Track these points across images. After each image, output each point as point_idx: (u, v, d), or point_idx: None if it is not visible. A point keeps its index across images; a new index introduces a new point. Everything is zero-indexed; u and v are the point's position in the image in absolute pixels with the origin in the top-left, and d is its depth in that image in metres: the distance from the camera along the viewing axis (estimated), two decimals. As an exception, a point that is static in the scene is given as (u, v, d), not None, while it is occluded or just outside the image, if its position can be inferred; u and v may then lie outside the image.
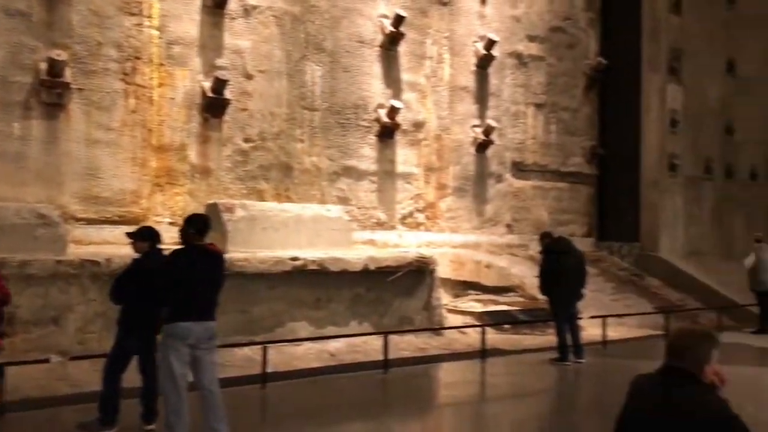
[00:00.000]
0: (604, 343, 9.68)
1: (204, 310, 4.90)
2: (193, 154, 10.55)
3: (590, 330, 10.48)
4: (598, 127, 16.00)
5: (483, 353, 8.65)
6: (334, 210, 10.65)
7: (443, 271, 12.14)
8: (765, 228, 16.41)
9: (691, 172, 15.62)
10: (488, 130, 13.82)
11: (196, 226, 5.02)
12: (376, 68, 12.52)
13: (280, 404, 6.68)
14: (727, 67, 16.46)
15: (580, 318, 8.97)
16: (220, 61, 10.75)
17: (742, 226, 16.34)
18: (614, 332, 10.56)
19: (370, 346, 8.53)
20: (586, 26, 15.69)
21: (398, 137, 12.75)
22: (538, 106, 14.93)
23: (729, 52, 16.48)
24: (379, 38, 12.49)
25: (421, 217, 13.21)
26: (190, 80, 10.52)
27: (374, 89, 12.49)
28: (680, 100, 15.34)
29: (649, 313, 11.82)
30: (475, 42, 13.77)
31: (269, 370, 6.98)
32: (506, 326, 10.71)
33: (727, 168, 16.40)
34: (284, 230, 9.43)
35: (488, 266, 12.83)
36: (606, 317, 9.97)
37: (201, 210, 8.95)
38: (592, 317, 10.27)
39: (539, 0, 14.95)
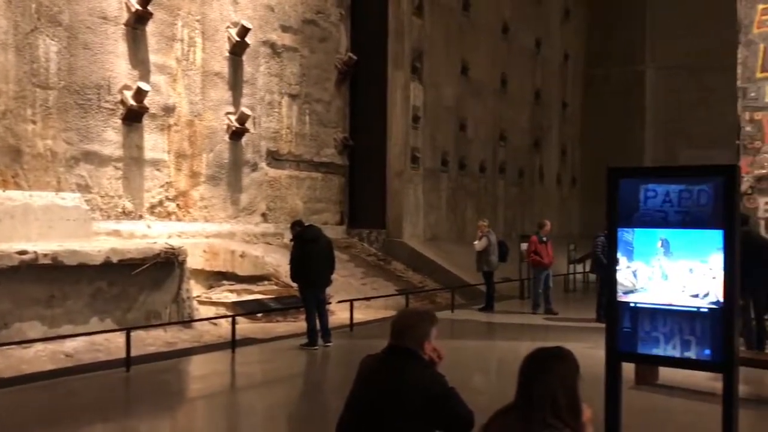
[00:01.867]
0: (352, 325, 10.20)
1: None
2: None
3: (340, 314, 10.98)
4: (349, 120, 16.70)
5: (234, 343, 8.62)
6: (70, 198, 9.84)
7: (196, 261, 11.86)
8: (492, 215, 18.42)
9: (431, 165, 16.98)
10: (243, 118, 13.72)
11: None
12: (121, 47, 11.75)
13: (7, 415, 6.05)
14: (462, 69, 18.12)
15: (329, 303, 9.34)
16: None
17: (473, 214, 18.18)
18: (362, 314, 11.15)
19: (114, 344, 8.06)
20: (338, 21, 16.23)
21: (146, 121, 12.12)
22: (293, 96, 15.15)
23: (463, 55, 18.13)
24: (125, 16, 11.75)
25: (172, 206, 12.73)
26: None
27: (119, 69, 11.72)
28: (421, 97, 16.57)
29: (392, 295, 12.67)
30: (229, 28, 13.56)
31: (-8, 377, 6.29)
32: (259, 315, 10.79)
33: (461, 161, 18.09)
34: (9, 221, 8.51)
35: (243, 255, 12.77)
36: (353, 301, 10.49)
37: None
38: (340, 301, 10.73)
39: (293, -9, 15.17)
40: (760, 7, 8.93)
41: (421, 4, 16.51)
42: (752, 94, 8.92)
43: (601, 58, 24.05)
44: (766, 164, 8.77)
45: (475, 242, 13.18)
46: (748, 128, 8.96)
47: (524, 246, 15.23)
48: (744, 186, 8.91)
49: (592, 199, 21.81)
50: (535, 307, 12.49)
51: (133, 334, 7.65)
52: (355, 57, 16.28)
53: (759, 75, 8.93)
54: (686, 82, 22.58)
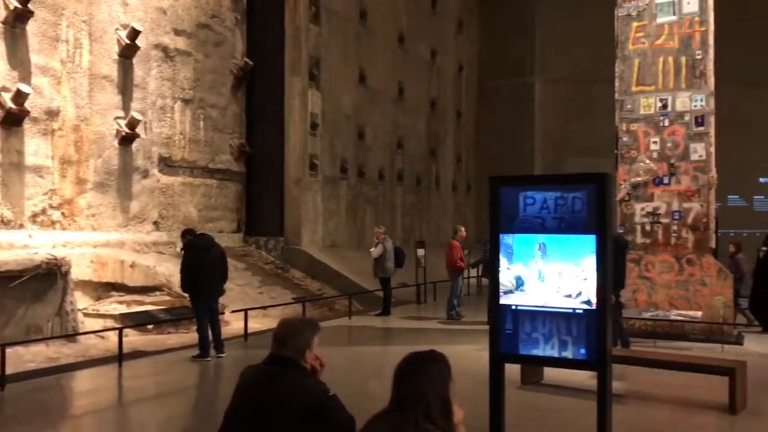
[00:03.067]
0: (246, 335, 10.03)
1: None
2: None
3: (235, 324, 10.78)
4: (245, 126, 16.46)
5: (121, 357, 8.28)
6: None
7: (83, 272, 11.34)
8: (390, 222, 18.64)
9: (329, 172, 17.00)
10: (133, 123, 13.24)
11: None
12: (-2, 47, 11.11)
13: None
14: (360, 77, 18.26)
15: (223, 313, 9.15)
16: None
17: (372, 220, 18.34)
18: (258, 324, 10.98)
19: (-12, 362, 7.57)
20: (233, 26, 15.99)
21: (27, 125, 11.47)
22: (186, 101, 14.77)
23: (361, 63, 18.29)
24: (2, 13, 11.10)
25: (56, 215, 12.10)
26: None
27: (-4, 70, 11.08)
28: (319, 104, 16.57)
29: (288, 304, 12.58)
30: (118, 30, 13.08)
31: None
32: (150, 327, 10.43)
33: (360, 168, 18.22)
34: None
35: (133, 265, 12.31)
36: (248, 310, 10.33)
37: None
38: (235, 311, 10.54)
39: (186, -6, 14.82)
40: (635, 24, 9.50)
41: (318, 11, 16.52)
42: (628, 107, 9.48)
43: (494, 70, 24.88)
44: (641, 172, 9.33)
45: (372, 249, 13.31)
46: (625, 138, 9.50)
47: (421, 252, 15.55)
48: (621, 193, 9.45)
49: (486, 205, 22.41)
50: (452, 313, 12.70)
51: (9, 350, 7.21)
52: (251, 62, 16.08)
53: (634, 88, 9.49)
54: (573, 94, 23.71)
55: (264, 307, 11.81)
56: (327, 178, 16.93)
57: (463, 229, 13.44)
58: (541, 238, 4.50)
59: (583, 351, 4.39)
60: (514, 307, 4.53)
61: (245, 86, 16.37)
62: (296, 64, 16.16)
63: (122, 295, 11.73)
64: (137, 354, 8.85)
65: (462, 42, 24.38)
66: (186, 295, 9.12)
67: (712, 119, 9.10)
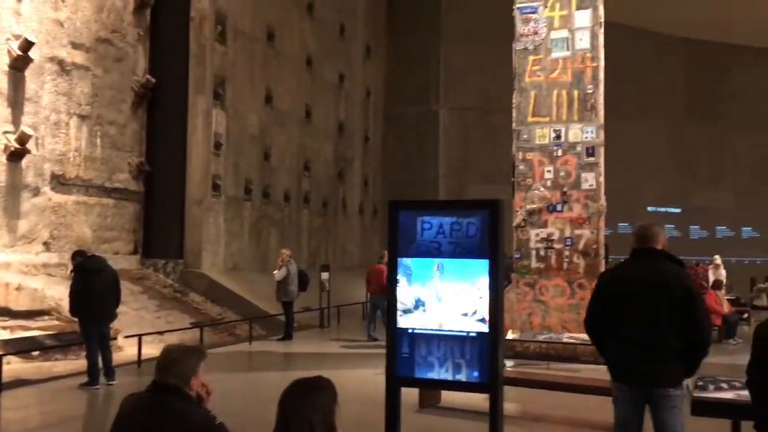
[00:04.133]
0: (140, 362, 9.64)
1: None
2: None
3: (129, 350, 10.34)
4: (146, 144, 15.97)
5: (1, 386, 7.76)
6: None
7: (-40, 295, 10.61)
8: (296, 244, 18.49)
9: (233, 193, 16.71)
10: (23, 138, 12.56)
11: None
12: None
13: None
14: (266, 98, 18.14)
15: (115, 338, 8.76)
16: None
17: (277, 243, 18.13)
18: (154, 350, 10.55)
19: None
20: (135, 42, 15.54)
21: None
22: (83, 117, 14.17)
23: (268, 84, 18.18)
24: None
25: (-68, 234, 11.30)
26: None
27: None
28: (224, 124, 16.32)
29: (187, 329, 12.19)
30: (9, 40, 12.44)
31: None
32: (35, 353, 9.84)
33: (265, 190, 18.01)
34: None
35: (19, 288, 11.62)
36: (142, 335, 9.94)
37: None
38: (128, 336, 10.12)
39: (85, 7, 14.27)
40: (531, 58, 9.92)
41: (224, 31, 16.33)
42: (525, 136, 9.85)
43: (401, 96, 25.33)
44: (536, 200, 9.69)
45: (275, 272, 13.14)
46: (521, 167, 9.85)
47: (325, 275, 15.47)
48: (518, 219, 9.77)
49: (392, 229, 22.65)
50: (372, 336, 12.86)
51: None
52: (153, 80, 15.66)
53: (530, 119, 9.88)
54: (475, 122, 24.46)
55: (160, 332, 11.39)
56: (230, 198, 16.63)
57: (386, 253, 13.56)
58: (437, 261, 4.59)
59: (476, 374, 4.49)
60: (410, 331, 4.58)
61: (147, 104, 15.90)
62: (201, 82, 15.87)
63: (5, 320, 11.02)
64: (20, 383, 8.33)
65: (370, 67, 24.70)
66: (75, 319, 8.69)
67: (601, 150, 9.59)
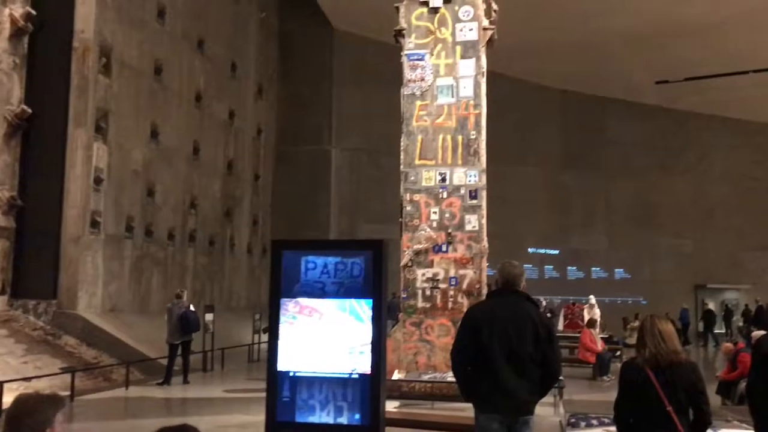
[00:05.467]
0: (1, 411, 8.91)
1: None
2: None
3: (-10, 399, 9.55)
4: (18, 178, 15.05)
5: None
6: None
7: None
8: (179, 285, 17.85)
9: (114, 230, 15.98)
10: None
11: None
12: None
13: None
14: (152, 133, 17.60)
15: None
16: None
17: (159, 283, 17.46)
18: (18, 398, 9.82)
19: None
20: (10, 70, 14.74)
21: None
22: (-53, 147, 13.24)
23: (154, 119, 17.67)
24: None
25: None
26: None
27: None
28: (105, 159, 15.66)
29: (56, 374, 11.42)
30: None
31: None
32: None
33: (148, 228, 17.35)
34: None
35: None
36: (5, 382, 9.20)
37: None
38: (-11, 385, 9.36)
39: (-46, 31, 13.47)
40: (419, 103, 10.21)
41: (109, 63, 15.78)
42: (412, 178, 10.07)
43: (293, 135, 25.33)
44: (423, 240, 9.88)
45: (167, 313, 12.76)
46: (408, 208, 10.04)
47: (209, 317, 15.01)
48: (405, 259, 9.91)
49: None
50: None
51: None
52: (29, 110, 14.85)
53: (417, 162, 10.12)
54: (367, 163, 24.79)
55: (27, 379, 10.61)
56: (110, 236, 15.88)
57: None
58: (321, 302, 4.56)
59: (357, 416, 4.45)
60: (292, 374, 4.49)
61: (21, 135, 15.04)
62: (82, 115, 15.19)
63: None
64: None
65: (261, 106, 24.59)
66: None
67: (484, 193, 9.94)
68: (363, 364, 4.36)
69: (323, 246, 4.98)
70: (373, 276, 4.49)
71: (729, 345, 11.06)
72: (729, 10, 21.53)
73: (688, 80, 26.78)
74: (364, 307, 4.45)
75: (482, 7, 10.21)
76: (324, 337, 4.44)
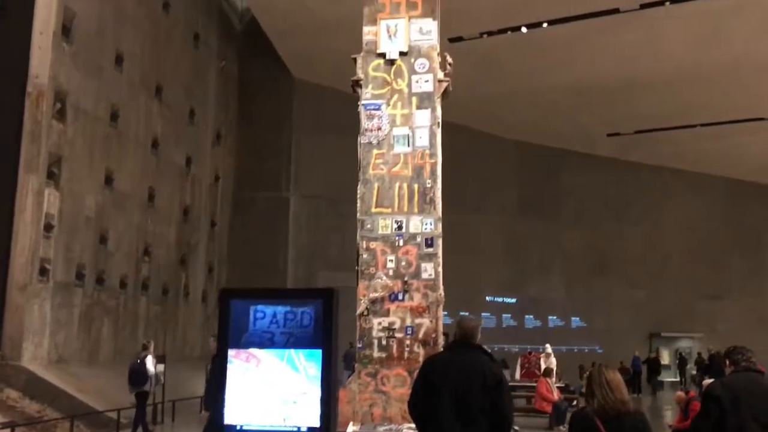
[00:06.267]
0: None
1: None
2: None
3: None
4: (-36, 224, 14.62)
5: None
6: None
7: None
8: (131, 334, 17.39)
9: (63, 278, 15.53)
10: None
11: None
12: None
13: None
14: (106, 179, 17.33)
15: None
16: None
17: (110, 332, 16.96)
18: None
19: None
20: (-40, 113, 14.48)
21: None
22: None
23: (109, 165, 17.42)
24: None
25: None
26: None
27: None
28: (57, 205, 15.33)
29: (-4, 430, 10.93)
30: None
31: None
32: None
33: (99, 275, 16.92)
34: None
35: None
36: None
37: None
38: None
39: None
40: (375, 152, 10.27)
41: (63, 108, 15.58)
42: (368, 226, 10.06)
43: (251, 182, 25.23)
44: (379, 288, 9.82)
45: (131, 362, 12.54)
46: (365, 255, 10.00)
47: (161, 367, 14.57)
48: (361, 308, 9.81)
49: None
50: None
51: None
52: (-22, 155, 14.54)
53: (374, 210, 10.13)
54: (325, 210, 24.77)
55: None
56: (59, 284, 15.42)
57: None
58: (269, 352, 4.47)
59: (305, 470, 4.33)
60: (239, 428, 4.37)
61: (-32, 180, 14.68)
62: (33, 160, 14.89)
63: None
64: None
65: (219, 152, 24.49)
66: None
67: (439, 242, 9.96)
68: (312, 417, 4.26)
69: (273, 295, 4.91)
70: (324, 326, 4.44)
71: (681, 394, 11.16)
72: (676, 68, 22.43)
73: (638, 133, 27.70)
74: (301, 358, 4.40)
75: (437, 59, 10.42)
76: (272, 388, 4.34)
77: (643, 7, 19.17)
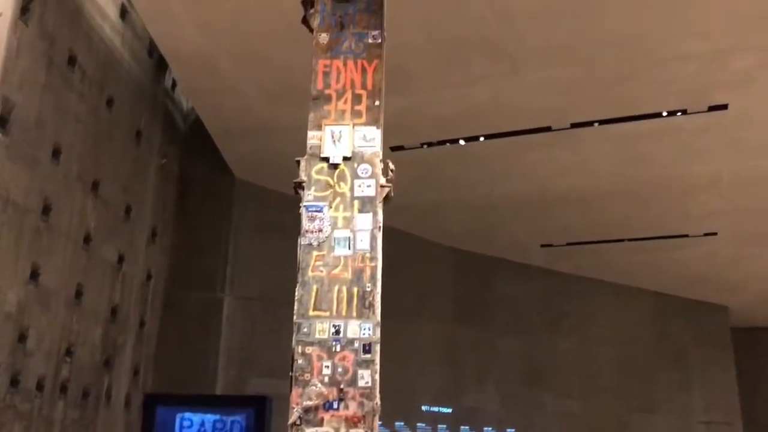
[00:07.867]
0: None
1: None
2: None
3: None
4: None
5: None
6: None
7: None
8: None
9: (-27, 379, 14.50)
10: None
11: None
12: None
13: None
14: (32, 274, 16.59)
15: None
16: None
17: (20, 440, 15.73)
18: None
19: None
20: None
21: None
22: None
23: (35, 260, 16.72)
24: None
25: None
26: None
27: None
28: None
29: None
30: None
31: None
32: None
33: (14, 376, 15.84)
34: None
35: None
36: None
37: None
38: None
39: None
40: (315, 254, 10.22)
41: (-8, 198, 15.11)
42: (305, 330, 9.83)
43: (184, 282, 24.52)
44: (313, 396, 9.49)
45: None
46: (300, 361, 9.71)
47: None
48: (293, 417, 9.44)
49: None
50: None
51: None
52: None
53: (312, 312, 9.95)
54: (260, 313, 24.19)
55: None
56: (-32, 386, 14.36)
57: None
58: (195, 465, 4.19)
59: None
60: None
61: None
62: (-47, 251, 14.22)
63: None
64: None
65: (153, 251, 23.92)
66: None
67: (377, 348, 9.79)
68: None
69: (201, 402, 4.67)
70: (256, 435, 4.21)
71: None
72: (605, 184, 23.51)
73: (570, 245, 28.61)
74: (243, 470, 4.14)
75: (380, 166, 10.63)
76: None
77: (573, 126, 20.26)
